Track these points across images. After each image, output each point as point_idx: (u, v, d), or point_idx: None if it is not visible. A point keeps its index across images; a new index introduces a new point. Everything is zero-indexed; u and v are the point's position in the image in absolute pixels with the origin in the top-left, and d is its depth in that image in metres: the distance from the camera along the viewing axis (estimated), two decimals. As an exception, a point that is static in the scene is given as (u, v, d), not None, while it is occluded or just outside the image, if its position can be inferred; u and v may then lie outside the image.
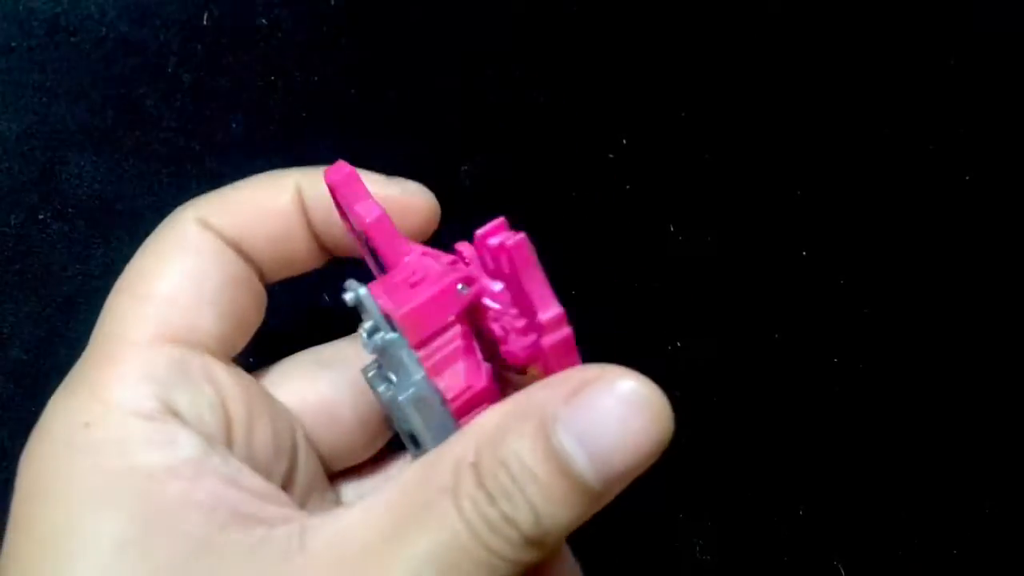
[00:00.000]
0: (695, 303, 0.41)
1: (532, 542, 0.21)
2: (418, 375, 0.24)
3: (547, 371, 0.23)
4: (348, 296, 0.24)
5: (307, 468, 0.27)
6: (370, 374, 0.26)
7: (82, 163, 0.39)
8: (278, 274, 0.28)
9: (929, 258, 0.42)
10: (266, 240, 0.27)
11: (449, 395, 0.24)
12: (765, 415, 0.41)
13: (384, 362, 0.24)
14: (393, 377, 0.24)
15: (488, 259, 0.24)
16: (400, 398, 0.24)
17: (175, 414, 0.23)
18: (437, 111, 0.41)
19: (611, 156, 0.41)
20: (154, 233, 0.27)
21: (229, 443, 0.24)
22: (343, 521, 0.21)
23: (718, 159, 0.41)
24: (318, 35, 0.40)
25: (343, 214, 0.26)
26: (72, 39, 0.39)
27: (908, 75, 0.42)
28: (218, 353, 0.25)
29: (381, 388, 0.25)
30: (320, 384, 0.28)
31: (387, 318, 0.24)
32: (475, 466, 0.21)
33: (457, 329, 0.24)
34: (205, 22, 0.40)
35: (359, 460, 0.30)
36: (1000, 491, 0.41)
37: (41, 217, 0.39)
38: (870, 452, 0.41)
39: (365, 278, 0.25)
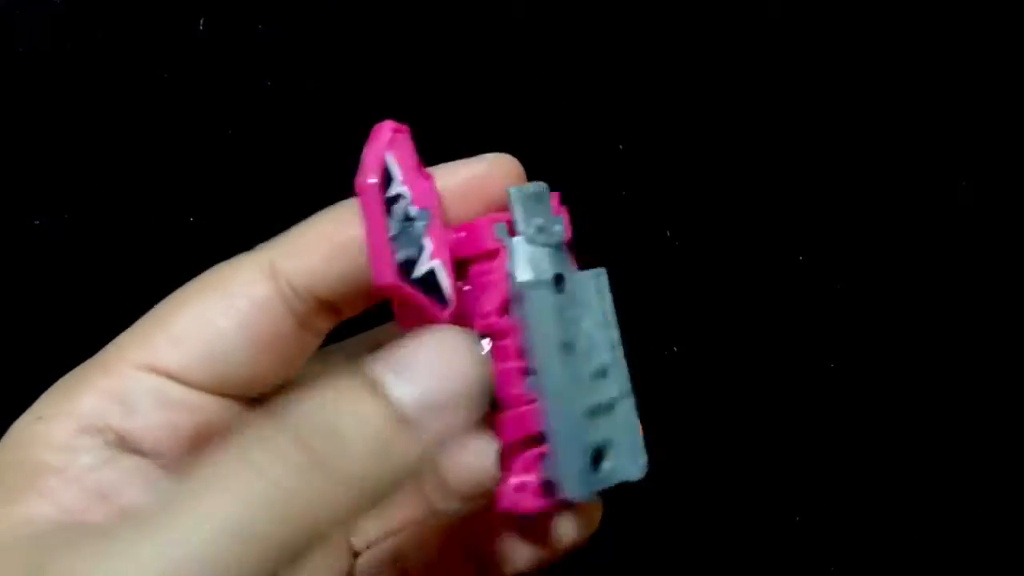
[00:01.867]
0: (691, 309, 0.41)
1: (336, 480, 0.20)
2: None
3: None
4: (534, 187, 0.26)
5: None
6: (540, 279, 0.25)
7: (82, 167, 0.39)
8: (361, 306, 0.27)
9: (925, 263, 0.42)
10: (343, 275, 0.26)
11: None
12: (761, 421, 0.41)
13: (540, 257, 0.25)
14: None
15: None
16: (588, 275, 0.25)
17: (121, 435, 0.24)
18: (435, 116, 0.41)
19: (607, 161, 0.41)
20: (218, 265, 0.26)
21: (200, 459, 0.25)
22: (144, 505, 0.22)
23: (714, 165, 0.42)
24: (317, 39, 0.40)
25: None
26: (66, 46, 0.39)
27: (905, 80, 0.42)
28: (214, 391, 0.25)
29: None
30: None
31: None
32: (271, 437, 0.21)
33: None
34: (201, 28, 0.40)
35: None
36: (997, 497, 0.41)
37: (37, 223, 0.39)
38: (866, 459, 0.41)
39: None
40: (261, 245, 0.26)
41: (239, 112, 0.40)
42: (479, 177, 0.26)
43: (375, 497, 0.21)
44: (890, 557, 0.40)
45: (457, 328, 0.22)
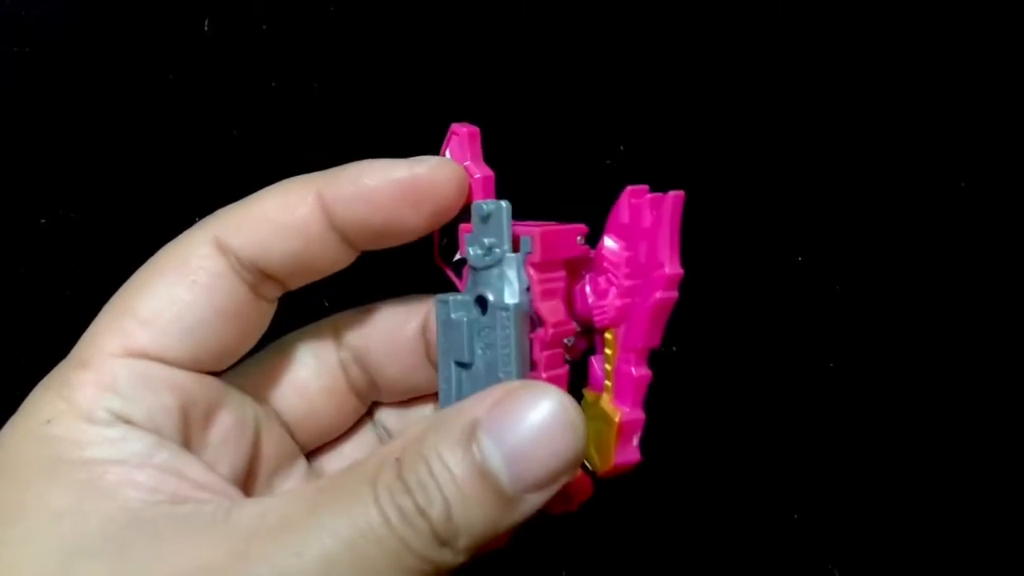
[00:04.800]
0: (690, 308, 0.41)
1: (442, 539, 0.22)
2: (525, 292, 0.26)
3: (629, 332, 0.26)
4: (488, 205, 0.26)
5: (272, 449, 0.29)
6: (450, 298, 0.27)
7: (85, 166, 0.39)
8: (303, 281, 0.29)
9: (924, 264, 0.42)
10: (286, 255, 0.27)
11: (551, 319, 0.26)
12: (760, 420, 0.41)
13: (484, 279, 0.26)
14: (490, 295, 0.26)
15: (626, 212, 0.27)
16: (509, 301, 0.25)
17: (127, 420, 0.25)
18: (436, 117, 0.41)
19: (608, 162, 0.41)
20: (168, 245, 0.27)
21: (187, 441, 0.26)
22: (270, 500, 0.23)
23: (714, 165, 0.42)
24: (319, 40, 0.41)
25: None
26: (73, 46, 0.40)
27: (904, 81, 0.43)
28: (187, 365, 0.27)
29: (456, 301, 0.26)
30: (286, 365, 0.30)
31: (514, 237, 0.26)
32: (398, 461, 0.22)
33: (562, 273, 0.27)
34: (206, 29, 0.40)
35: (337, 432, 0.31)
36: (997, 496, 0.41)
37: (43, 222, 0.39)
38: (865, 457, 0.41)
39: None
40: (203, 220, 0.27)
41: (244, 113, 0.40)
42: (417, 178, 0.27)
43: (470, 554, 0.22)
44: (889, 555, 0.41)
45: (565, 401, 0.23)
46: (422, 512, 0.21)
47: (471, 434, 0.22)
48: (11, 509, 0.23)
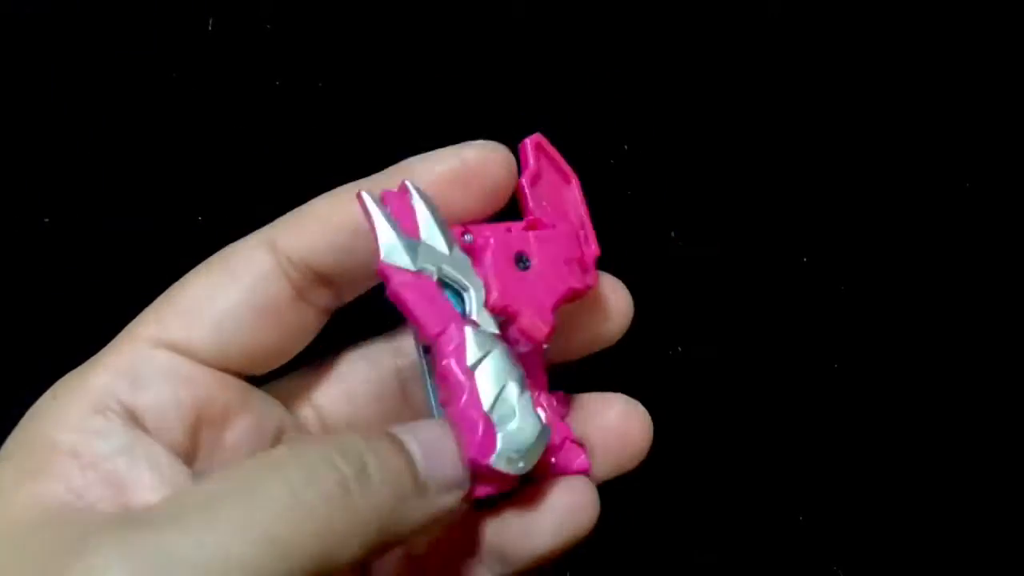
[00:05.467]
0: (696, 309, 0.41)
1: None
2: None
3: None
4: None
5: None
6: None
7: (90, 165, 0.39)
8: (354, 286, 0.28)
9: (929, 265, 0.42)
10: (336, 251, 0.27)
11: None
12: (765, 421, 0.41)
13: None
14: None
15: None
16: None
17: (130, 410, 0.25)
18: (439, 117, 0.41)
19: (612, 162, 0.41)
20: (230, 245, 0.27)
21: (194, 438, 0.26)
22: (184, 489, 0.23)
23: (720, 166, 0.42)
24: (325, 39, 0.41)
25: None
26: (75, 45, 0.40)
27: (909, 82, 0.43)
28: (216, 364, 0.26)
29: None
30: (334, 372, 0.30)
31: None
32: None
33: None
34: (210, 28, 0.40)
35: None
36: (1001, 497, 0.41)
37: (47, 221, 0.39)
38: (870, 459, 0.41)
39: None
40: (266, 226, 0.27)
41: (248, 112, 0.40)
42: (467, 165, 0.27)
43: (385, 540, 0.22)
44: (894, 557, 0.41)
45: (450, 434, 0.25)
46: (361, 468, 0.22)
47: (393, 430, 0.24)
48: None
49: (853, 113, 0.42)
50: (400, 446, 0.23)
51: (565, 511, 0.28)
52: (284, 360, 0.28)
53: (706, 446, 0.40)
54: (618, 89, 0.41)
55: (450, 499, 0.24)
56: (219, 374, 0.26)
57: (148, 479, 0.24)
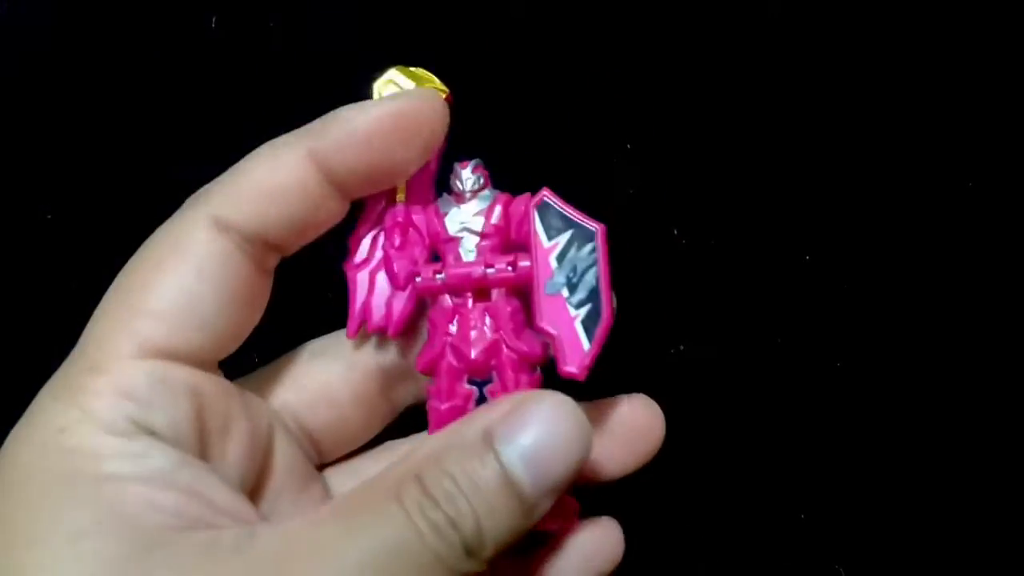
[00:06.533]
0: (698, 307, 0.41)
1: (471, 549, 0.22)
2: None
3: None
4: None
5: (283, 461, 0.28)
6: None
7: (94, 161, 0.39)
8: (301, 243, 0.28)
9: (932, 263, 0.42)
10: (288, 219, 0.26)
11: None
12: (767, 420, 0.41)
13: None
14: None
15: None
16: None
17: (149, 431, 0.24)
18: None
19: (615, 160, 0.41)
20: (161, 231, 0.26)
21: (204, 452, 0.25)
22: (293, 523, 0.22)
23: (722, 164, 0.42)
24: (328, 38, 0.41)
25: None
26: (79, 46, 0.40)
27: (912, 80, 0.42)
28: (206, 363, 0.26)
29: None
30: (315, 370, 0.29)
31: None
32: (419, 478, 0.22)
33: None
34: (212, 26, 0.40)
35: (359, 442, 0.30)
36: (1004, 497, 0.41)
37: (49, 217, 0.39)
38: (872, 457, 0.41)
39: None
40: (193, 198, 0.27)
41: (250, 111, 0.40)
42: (402, 112, 0.27)
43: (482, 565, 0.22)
44: (896, 556, 0.40)
45: (568, 401, 0.24)
46: (454, 524, 0.21)
47: (489, 445, 0.22)
48: (25, 530, 0.21)
49: (855, 112, 0.42)
50: (504, 476, 0.22)
51: (592, 550, 0.28)
52: (251, 330, 0.27)
53: (708, 445, 0.40)
54: (620, 87, 0.41)
55: (551, 501, 0.23)
56: (212, 377, 0.26)
57: (216, 484, 0.24)
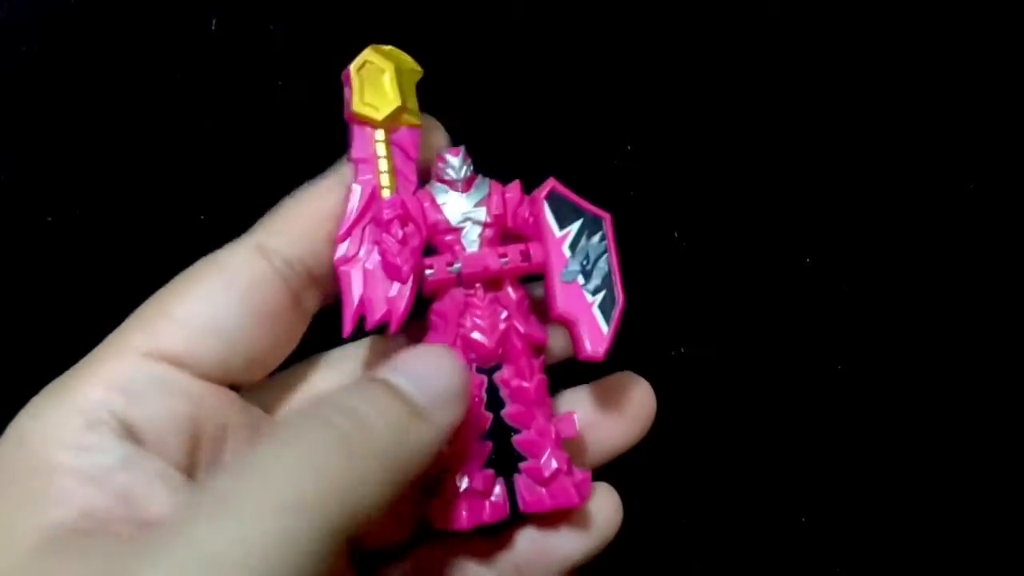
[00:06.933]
0: (699, 309, 0.41)
1: (382, 453, 0.23)
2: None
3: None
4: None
5: None
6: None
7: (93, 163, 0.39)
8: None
9: (932, 266, 0.42)
10: (327, 248, 0.27)
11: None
12: (768, 422, 0.41)
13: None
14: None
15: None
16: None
17: (126, 424, 0.24)
18: (440, 118, 0.41)
19: (616, 162, 0.41)
20: (213, 253, 0.27)
21: (193, 458, 0.25)
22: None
23: (722, 166, 0.42)
24: (328, 40, 0.41)
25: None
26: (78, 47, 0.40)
27: (912, 82, 0.42)
28: (217, 377, 0.26)
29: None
30: (329, 382, 0.29)
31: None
32: (316, 414, 0.23)
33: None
34: (212, 28, 0.40)
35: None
36: (1003, 499, 0.41)
37: (49, 220, 0.39)
38: (872, 461, 0.41)
39: None
40: (249, 232, 0.27)
41: (250, 112, 0.40)
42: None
43: (399, 475, 0.23)
44: (895, 559, 0.40)
45: (445, 345, 0.26)
46: (363, 423, 0.22)
47: (374, 376, 0.24)
48: None
49: (855, 114, 0.42)
50: (386, 385, 0.24)
51: (592, 516, 0.29)
52: (273, 367, 0.28)
53: (709, 447, 0.40)
54: (621, 89, 0.41)
55: (453, 411, 0.24)
56: (217, 388, 0.26)
57: (158, 492, 0.23)
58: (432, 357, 0.25)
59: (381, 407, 0.23)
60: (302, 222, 0.27)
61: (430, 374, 0.24)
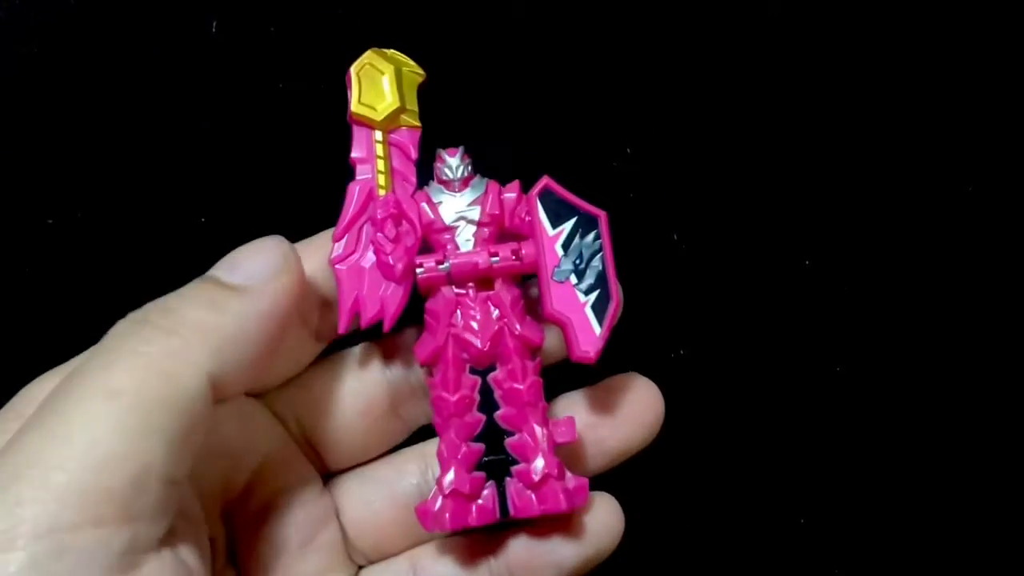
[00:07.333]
0: (698, 312, 0.41)
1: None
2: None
3: None
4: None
5: (276, 470, 0.29)
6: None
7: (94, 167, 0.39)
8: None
9: (931, 268, 0.42)
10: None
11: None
12: (767, 424, 0.41)
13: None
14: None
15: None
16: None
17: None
18: (441, 119, 0.41)
19: (615, 164, 0.41)
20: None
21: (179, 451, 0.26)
22: None
23: (721, 168, 0.42)
24: (329, 42, 0.41)
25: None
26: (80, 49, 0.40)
27: (911, 84, 0.42)
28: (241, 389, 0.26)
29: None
30: (324, 381, 0.30)
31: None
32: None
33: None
34: (213, 31, 0.40)
35: (372, 453, 0.31)
36: (1003, 500, 0.41)
37: (50, 222, 0.39)
38: (871, 462, 0.41)
39: None
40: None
41: (251, 114, 0.40)
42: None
43: (223, 343, 0.24)
44: (894, 560, 0.40)
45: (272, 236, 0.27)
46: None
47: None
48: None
49: (855, 116, 0.42)
50: (201, 278, 0.25)
51: (594, 526, 0.28)
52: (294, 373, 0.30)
53: (708, 448, 0.40)
54: (620, 91, 0.41)
55: (273, 283, 0.25)
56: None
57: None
58: (251, 246, 0.26)
59: (193, 292, 0.25)
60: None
61: (243, 258, 0.26)
